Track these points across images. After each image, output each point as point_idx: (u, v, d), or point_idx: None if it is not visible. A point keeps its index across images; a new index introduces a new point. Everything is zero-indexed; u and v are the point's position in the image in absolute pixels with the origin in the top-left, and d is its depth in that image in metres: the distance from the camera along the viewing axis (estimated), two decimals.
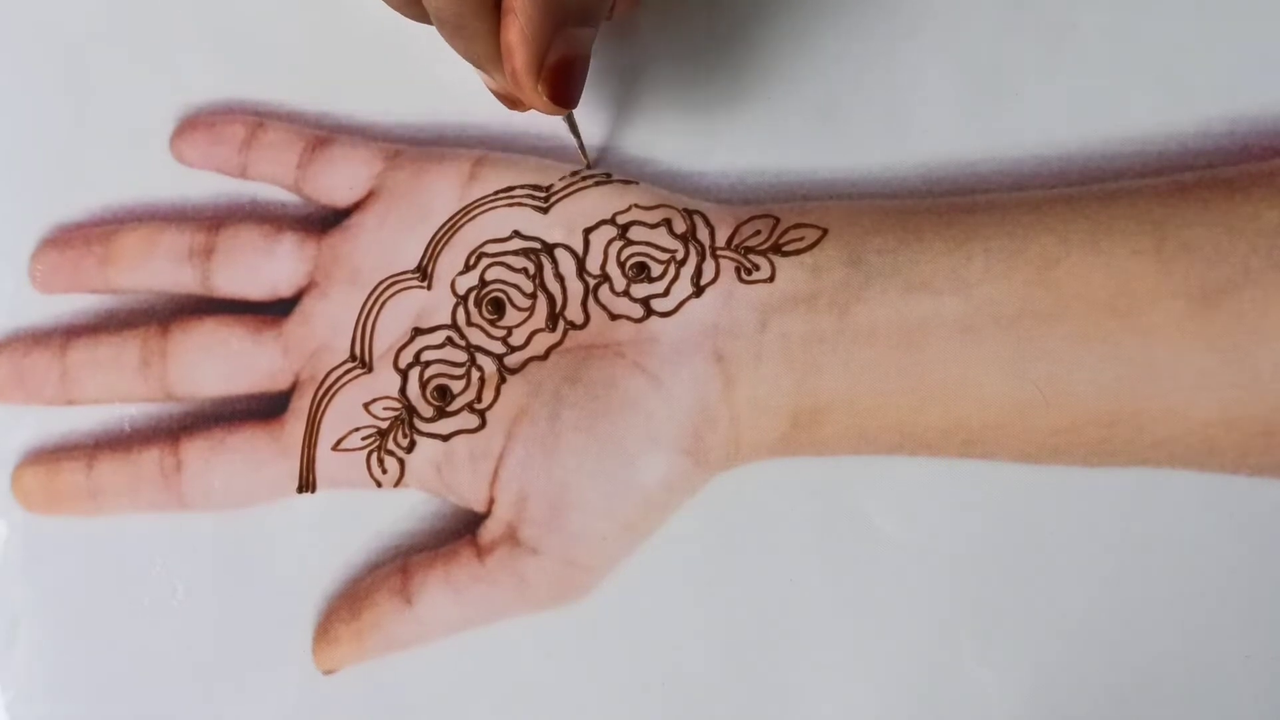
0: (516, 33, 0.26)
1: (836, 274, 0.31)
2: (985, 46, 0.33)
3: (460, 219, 0.32)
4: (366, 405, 0.32)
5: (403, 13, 0.29)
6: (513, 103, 0.30)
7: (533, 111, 0.33)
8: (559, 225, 0.32)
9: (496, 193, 0.32)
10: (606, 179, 0.32)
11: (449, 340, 0.32)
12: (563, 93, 0.27)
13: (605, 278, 0.32)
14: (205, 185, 0.34)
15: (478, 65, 0.28)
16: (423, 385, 0.32)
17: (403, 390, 0.32)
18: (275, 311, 0.33)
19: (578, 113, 0.32)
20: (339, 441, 0.33)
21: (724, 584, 0.32)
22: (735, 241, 0.32)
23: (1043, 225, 0.31)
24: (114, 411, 0.34)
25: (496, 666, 0.32)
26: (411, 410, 0.32)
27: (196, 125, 0.34)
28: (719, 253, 0.32)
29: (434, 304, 0.32)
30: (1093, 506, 0.31)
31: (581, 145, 0.32)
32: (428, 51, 0.33)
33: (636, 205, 0.32)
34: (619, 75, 0.33)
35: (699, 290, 0.32)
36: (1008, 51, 0.33)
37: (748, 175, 0.33)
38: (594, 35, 0.28)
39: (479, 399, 0.32)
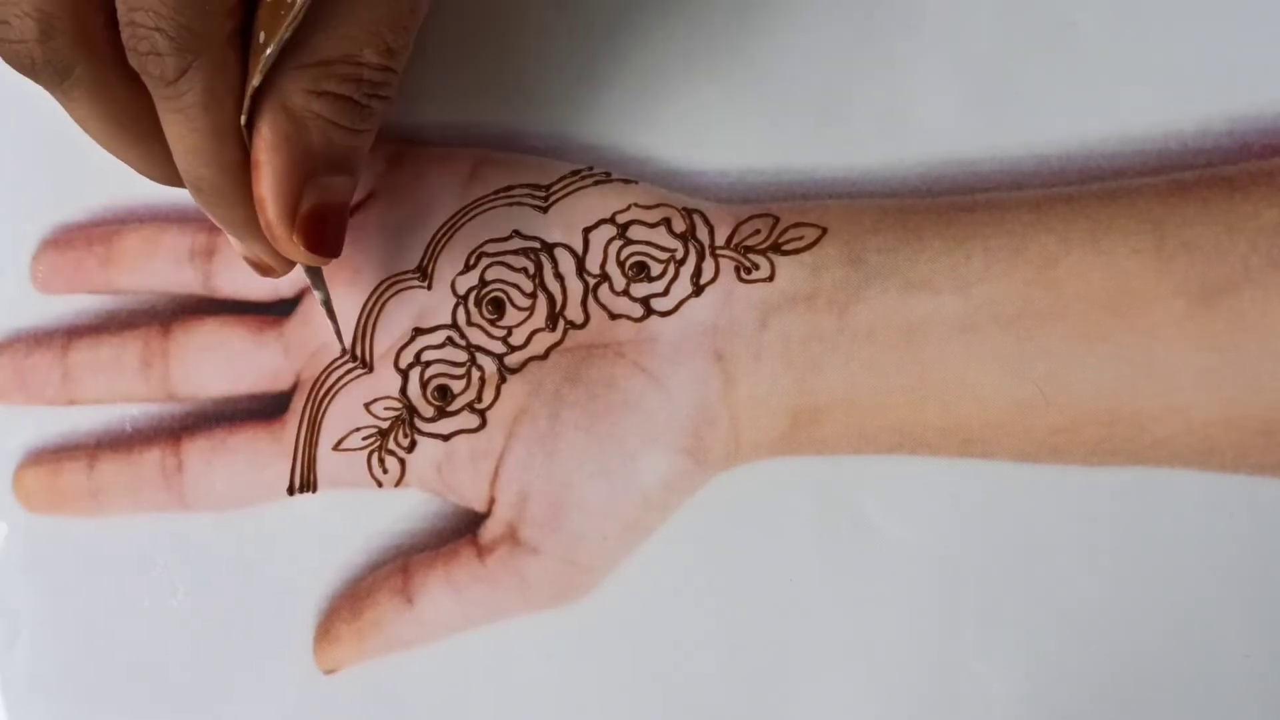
0: (266, 185, 0.26)
1: (836, 273, 0.31)
2: (985, 46, 0.33)
3: (460, 219, 0.32)
4: (367, 405, 0.33)
5: (157, 179, 0.29)
6: (264, 269, 0.30)
7: (530, 114, 0.33)
8: (558, 225, 0.32)
9: (496, 192, 0.32)
10: (606, 178, 0.32)
11: (449, 340, 0.32)
12: (318, 241, 0.27)
13: (605, 277, 0.32)
14: None
15: (235, 233, 0.29)
16: (423, 385, 0.32)
17: (403, 390, 0.32)
18: (277, 312, 0.33)
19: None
20: (340, 441, 0.33)
21: (724, 584, 0.32)
22: (735, 241, 0.32)
23: (1042, 224, 0.31)
24: (115, 412, 0.34)
25: (496, 666, 0.32)
26: (412, 410, 0.32)
27: None
28: (718, 252, 0.32)
29: (434, 304, 0.32)
30: (1093, 506, 0.31)
31: (333, 315, 0.32)
32: (428, 52, 0.33)
33: (636, 204, 0.32)
34: (618, 75, 0.33)
35: (698, 289, 0.32)
36: (1008, 51, 0.33)
37: (747, 174, 0.33)
38: (351, 182, 0.28)
39: (479, 399, 0.32)
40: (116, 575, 0.33)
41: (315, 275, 0.31)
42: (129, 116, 0.27)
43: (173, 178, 0.28)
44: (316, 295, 0.31)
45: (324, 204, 0.27)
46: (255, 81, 0.26)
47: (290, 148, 0.26)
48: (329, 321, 0.32)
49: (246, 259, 0.30)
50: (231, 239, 0.29)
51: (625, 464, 0.31)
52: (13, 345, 0.34)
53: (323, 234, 0.27)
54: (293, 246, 0.27)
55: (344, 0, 0.26)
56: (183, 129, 0.26)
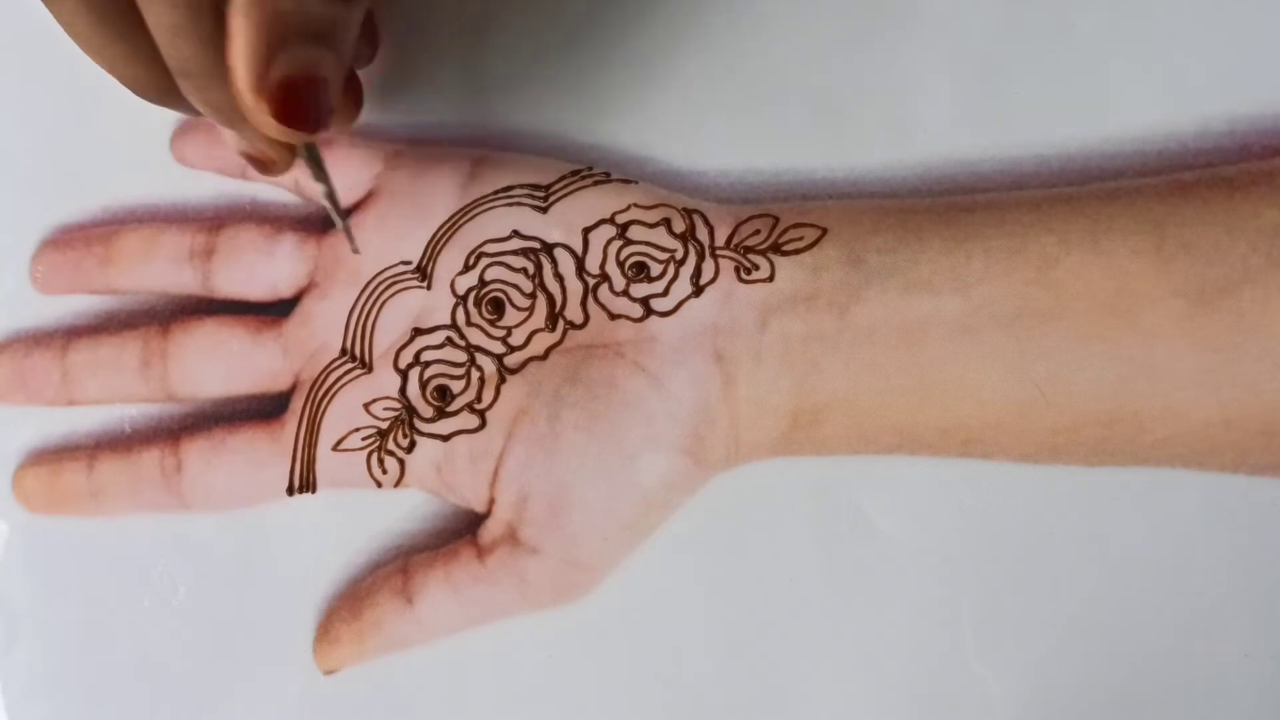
0: (236, 53, 0.25)
1: (836, 274, 0.31)
2: (985, 46, 0.33)
3: (460, 219, 0.32)
4: (366, 405, 0.32)
5: (140, 84, 0.27)
6: (265, 163, 0.29)
7: (530, 114, 0.33)
8: (558, 225, 0.32)
9: (496, 192, 0.32)
10: (605, 178, 0.32)
11: (449, 340, 0.32)
12: (287, 110, 0.25)
13: (604, 277, 0.32)
14: (205, 186, 0.34)
15: (224, 118, 0.27)
16: (423, 385, 0.32)
17: (403, 390, 0.32)
18: (276, 312, 0.33)
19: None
20: (339, 442, 0.32)
21: (724, 584, 0.32)
22: (735, 241, 0.32)
23: (1042, 225, 0.31)
24: (114, 412, 0.34)
25: (497, 666, 0.32)
26: (411, 410, 0.32)
27: (197, 126, 0.34)
28: (718, 252, 0.32)
29: (434, 304, 0.32)
30: (1093, 506, 0.31)
31: (338, 208, 0.31)
32: (428, 51, 0.33)
33: (635, 205, 0.32)
34: (618, 75, 0.33)
35: (698, 290, 0.32)
36: (1008, 51, 0.33)
37: (747, 175, 0.33)
38: (332, 57, 0.26)
39: (479, 399, 0.32)
40: (116, 575, 0.33)
41: (315, 164, 0.29)
42: (113, 7, 0.26)
43: (155, 80, 0.27)
44: (319, 189, 0.30)
45: (296, 74, 0.25)
46: None
47: (259, 13, 0.25)
48: (340, 226, 0.31)
49: (244, 155, 0.29)
50: (224, 132, 0.28)
51: (625, 464, 0.31)
52: (13, 345, 0.34)
53: (294, 105, 0.25)
54: (261, 116, 0.25)
55: None
56: (162, 6, 0.25)
